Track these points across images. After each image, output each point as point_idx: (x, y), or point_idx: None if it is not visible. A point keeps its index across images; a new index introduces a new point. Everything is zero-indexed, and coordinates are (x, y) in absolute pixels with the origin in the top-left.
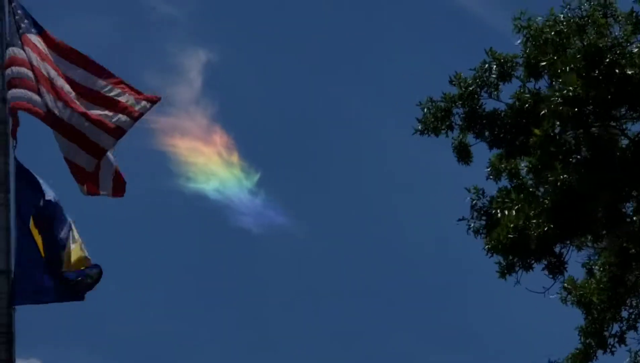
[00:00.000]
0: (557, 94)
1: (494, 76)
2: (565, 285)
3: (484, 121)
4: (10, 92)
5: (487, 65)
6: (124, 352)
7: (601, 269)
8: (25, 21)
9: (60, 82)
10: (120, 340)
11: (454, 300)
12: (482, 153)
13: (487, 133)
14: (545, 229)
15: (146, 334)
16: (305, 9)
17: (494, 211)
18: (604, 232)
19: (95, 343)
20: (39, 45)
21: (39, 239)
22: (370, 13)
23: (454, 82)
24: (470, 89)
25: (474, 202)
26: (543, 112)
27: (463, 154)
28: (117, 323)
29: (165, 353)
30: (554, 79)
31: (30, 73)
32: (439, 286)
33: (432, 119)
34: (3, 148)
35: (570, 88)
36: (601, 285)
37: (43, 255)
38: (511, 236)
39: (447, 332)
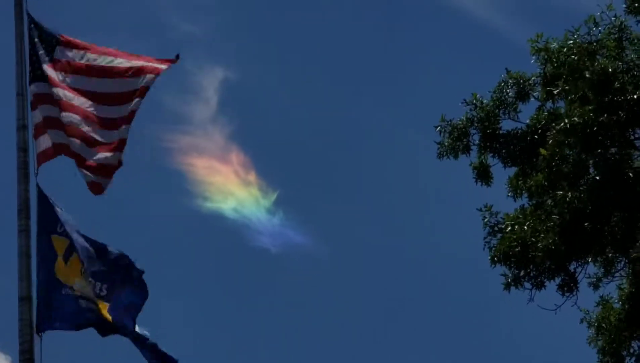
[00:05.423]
0: (556, 126)
1: (511, 96)
2: (584, 319)
3: (502, 140)
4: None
5: (503, 84)
6: None
7: (618, 298)
8: (41, 52)
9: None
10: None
11: (481, 321)
12: (502, 172)
13: (503, 151)
14: (551, 242)
15: None
16: (322, 28)
17: (504, 227)
18: (616, 254)
19: None
20: (52, 74)
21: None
22: (392, 30)
23: (469, 104)
24: (489, 108)
25: (486, 220)
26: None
27: (483, 174)
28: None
29: None
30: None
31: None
32: (464, 308)
33: (450, 141)
34: (23, 175)
35: (572, 119)
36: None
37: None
38: (514, 245)
39: (472, 351)
